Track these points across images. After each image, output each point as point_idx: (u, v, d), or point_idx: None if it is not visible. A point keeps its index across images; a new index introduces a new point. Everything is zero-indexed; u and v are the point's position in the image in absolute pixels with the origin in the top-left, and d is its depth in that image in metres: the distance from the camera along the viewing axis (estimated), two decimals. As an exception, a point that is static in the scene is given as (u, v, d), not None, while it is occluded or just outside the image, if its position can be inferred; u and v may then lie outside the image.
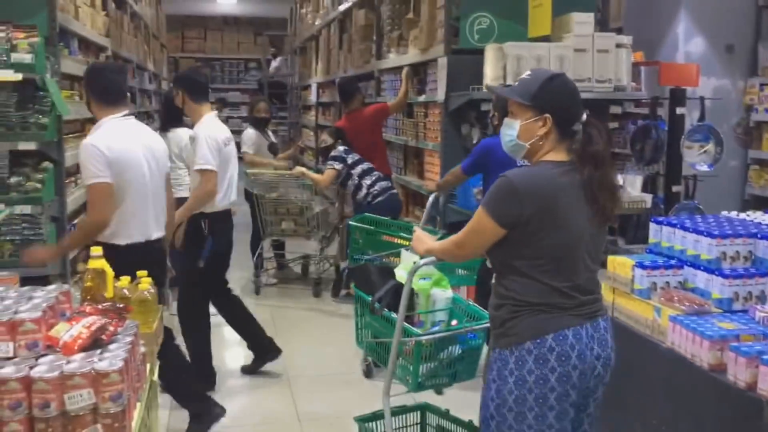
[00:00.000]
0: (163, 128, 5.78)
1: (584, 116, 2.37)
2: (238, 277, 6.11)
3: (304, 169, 5.77)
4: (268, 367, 4.68)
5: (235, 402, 4.16)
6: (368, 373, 4.51)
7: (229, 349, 5.13)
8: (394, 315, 2.88)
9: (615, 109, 5.36)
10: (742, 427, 2.45)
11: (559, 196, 2.28)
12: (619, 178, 5.48)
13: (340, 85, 7.30)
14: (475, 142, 5.33)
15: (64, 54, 5.44)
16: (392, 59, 7.10)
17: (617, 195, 2.38)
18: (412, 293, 2.99)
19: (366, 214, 5.10)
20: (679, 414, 2.77)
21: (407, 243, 3.97)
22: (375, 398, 4.19)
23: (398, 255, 3.56)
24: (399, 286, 2.91)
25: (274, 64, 17.15)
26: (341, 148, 5.87)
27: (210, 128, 4.25)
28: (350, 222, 4.86)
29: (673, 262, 3.10)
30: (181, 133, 5.61)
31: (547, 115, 2.33)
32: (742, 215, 3.42)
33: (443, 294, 3.11)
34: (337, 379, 4.50)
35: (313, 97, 12.39)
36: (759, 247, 2.94)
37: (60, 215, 5.07)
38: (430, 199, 4.81)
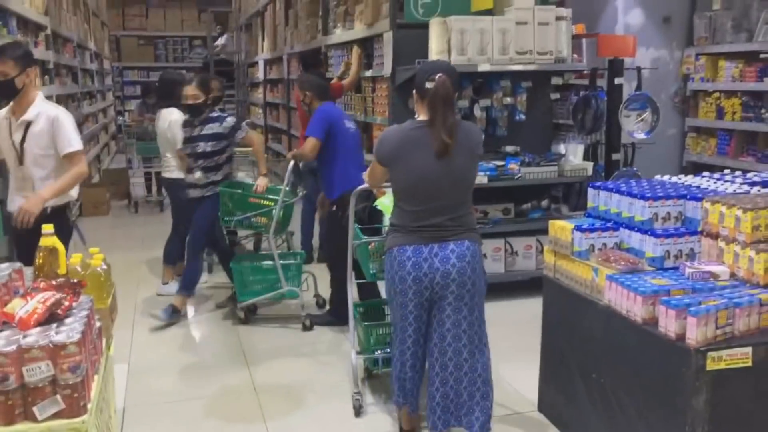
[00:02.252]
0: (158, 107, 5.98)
1: (436, 77, 3.00)
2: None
3: (295, 151, 5.43)
4: (224, 340, 4.75)
5: (191, 375, 4.21)
6: (246, 321, 4.98)
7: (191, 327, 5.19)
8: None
9: (556, 81, 5.51)
10: (673, 374, 2.62)
11: (404, 143, 3.04)
12: (562, 148, 5.66)
13: (303, 57, 7.30)
14: (422, 115, 5.41)
15: (3, 33, 5.33)
16: (339, 35, 7.12)
17: (454, 131, 3.00)
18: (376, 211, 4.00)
19: (233, 180, 5.24)
20: (617, 366, 2.94)
21: (272, 204, 4.86)
22: (331, 368, 4.30)
23: (264, 215, 4.89)
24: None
25: (220, 41, 16.91)
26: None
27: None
28: (221, 188, 5.01)
29: (609, 224, 3.26)
30: (166, 114, 5.67)
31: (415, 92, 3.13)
32: (674, 179, 3.60)
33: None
34: (292, 352, 4.59)
35: (260, 74, 12.30)
36: (688, 207, 3.12)
37: (5, 197, 5.00)
38: (290, 166, 4.92)
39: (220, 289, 5.81)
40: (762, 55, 6.60)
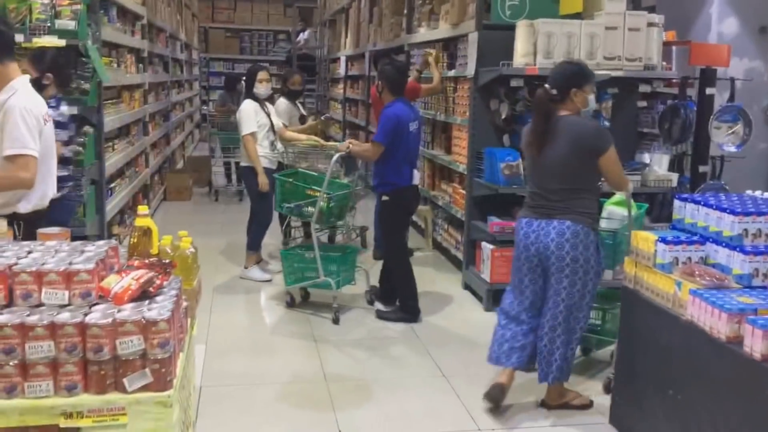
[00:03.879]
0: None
1: None
2: (266, 243, 6.26)
3: (354, 141, 5.61)
4: (297, 329, 4.85)
5: (264, 360, 4.33)
6: (291, 305, 5.29)
7: (263, 313, 5.32)
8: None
9: (644, 88, 5.38)
10: (757, 397, 2.54)
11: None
12: (646, 157, 5.53)
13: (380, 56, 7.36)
14: (503, 117, 5.39)
15: (104, 21, 5.57)
16: (423, 33, 7.15)
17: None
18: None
19: (298, 169, 5.44)
20: (696, 384, 2.87)
21: (317, 194, 4.99)
22: (400, 364, 4.34)
23: (312, 204, 5.03)
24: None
25: (303, 36, 17.18)
26: None
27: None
28: (276, 176, 5.30)
29: (695, 238, 3.18)
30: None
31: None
32: (766, 194, 3.47)
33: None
34: (362, 344, 4.65)
35: (341, 70, 12.44)
36: (781, 225, 3.00)
37: (99, 178, 5.25)
38: (335, 157, 5.00)
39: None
40: None
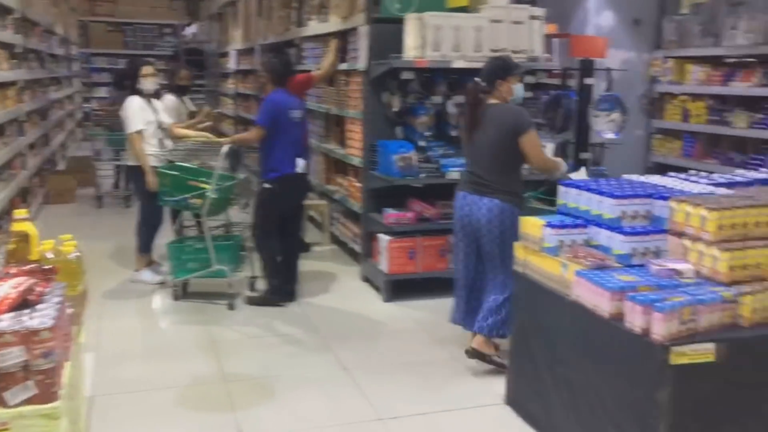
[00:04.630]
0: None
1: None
2: (158, 245, 6.06)
3: (237, 136, 5.74)
4: (194, 330, 4.73)
5: (159, 365, 4.19)
6: (177, 297, 5.32)
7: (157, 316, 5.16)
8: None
9: (529, 79, 5.57)
10: (638, 368, 2.70)
11: None
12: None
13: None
14: (395, 109, 5.45)
15: (-30, 15, 5.21)
16: (313, 27, 7.11)
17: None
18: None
19: (176, 163, 5.39)
20: (583, 360, 3.01)
21: (208, 187, 5.01)
22: (300, 360, 4.31)
23: (200, 197, 5.03)
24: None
25: (191, 29, 16.70)
26: None
27: None
28: (159, 169, 5.30)
29: (579, 221, 3.33)
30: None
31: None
32: (642, 178, 3.68)
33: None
34: (261, 341, 4.59)
35: (232, 65, 12.19)
36: (655, 206, 3.20)
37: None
38: (224, 150, 5.16)
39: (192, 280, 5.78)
40: (727, 60, 6.76)
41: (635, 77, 7.41)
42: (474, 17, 5.23)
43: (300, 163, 5.20)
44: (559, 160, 4.29)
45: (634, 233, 3.11)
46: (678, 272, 2.89)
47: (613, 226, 3.16)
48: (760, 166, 5.84)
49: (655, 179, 3.64)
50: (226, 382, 3.99)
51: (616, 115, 5.65)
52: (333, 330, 4.78)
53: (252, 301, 5.26)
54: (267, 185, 5.17)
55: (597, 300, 2.88)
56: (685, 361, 2.59)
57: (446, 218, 5.33)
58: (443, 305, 5.16)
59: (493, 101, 3.98)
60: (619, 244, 3.11)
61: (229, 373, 4.10)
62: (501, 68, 4.00)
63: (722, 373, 2.64)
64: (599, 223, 3.25)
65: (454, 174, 5.19)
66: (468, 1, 5.32)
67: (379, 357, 4.35)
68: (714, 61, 6.82)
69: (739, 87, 6.41)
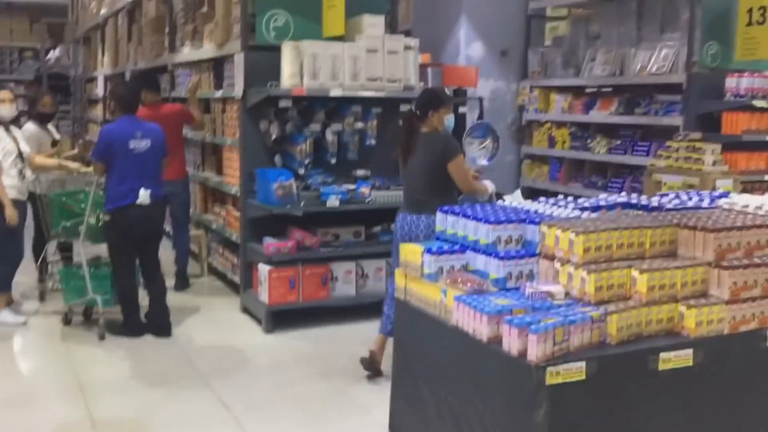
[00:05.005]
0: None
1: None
2: (18, 282, 5.65)
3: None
4: (60, 373, 4.43)
5: (21, 414, 3.88)
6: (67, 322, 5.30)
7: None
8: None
9: (405, 107, 5.68)
10: (516, 389, 2.77)
11: None
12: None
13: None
14: (274, 137, 5.39)
15: None
16: (187, 53, 6.94)
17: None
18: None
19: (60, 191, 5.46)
20: (464, 385, 3.05)
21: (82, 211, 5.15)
22: (175, 397, 4.13)
23: (81, 223, 5.14)
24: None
25: (55, 53, 15.88)
26: None
27: None
28: (52, 195, 5.33)
29: (457, 247, 3.40)
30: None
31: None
32: (515, 203, 3.82)
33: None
34: (134, 380, 4.36)
35: (99, 90, 11.68)
36: (528, 231, 3.32)
37: None
38: (95, 180, 5.18)
39: (51, 317, 5.42)
40: (587, 90, 7.20)
41: (504, 106, 7.75)
42: (351, 46, 5.29)
43: (143, 195, 4.94)
44: (486, 183, 4.59)
45: (509, 257, 3.21)
46: (550, 294, 3.00)
47: (489, 250, 3.25)
48: (620, 188, 6.23)
49: (527, 204, 3.79)
50: (95, 428, 3.74)
51: (488, 143, 5.86)
52: (212, 365, 4.61)
53: (114, 331, 5.10)
54: (105, 217, 5.03)
55: (475, 324, 2.94)
56: (559, 380, 2.68)
57: (327, 246, 5.31)
58: (326, 335, 5.13)
59: (425, 130, 4.34)
60: (495, 268, 3.20)
61: (100, 418, 3.85)
62: (434, 100, 4.39)
63: (593, 390, 2.75)
64: (476, 248, 3.33)
65: (334, 201, 5.19)
66: (344, 30, 5.38)
67: (260, 391, 4.23)
68: (575, 91, 7.25)
69: (599, 115, 6.83)
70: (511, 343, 2.76)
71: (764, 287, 3.05)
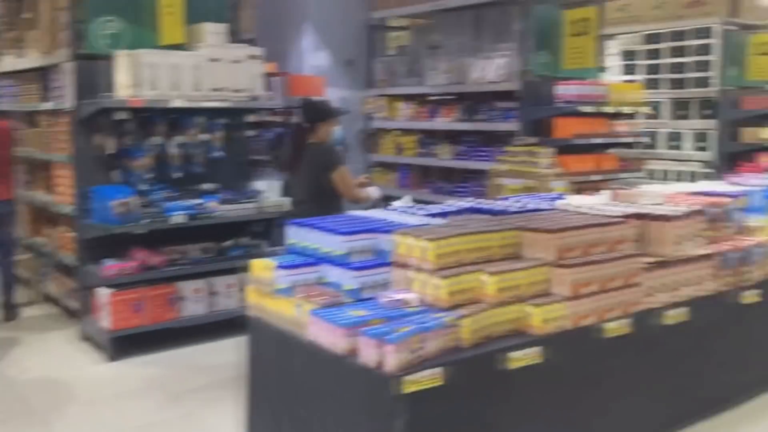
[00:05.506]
0: None
1: None
2: None
3: None
4: None
5: None
6: None
7: None
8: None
9: (252, 118, 5.56)
10: (375, 401, 2.74)
11: None
12: (261, 184, 5.72)
13: None
14: (110, 152, 5.06)
15: None
16: (9, 62, 6.38)
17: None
18: None
19: None
20: (323, 400, 2.99)
21: None
22: None
23: None
24: None
25: None
26: None
27: None
28: None
29: (310, 260, 3.34)
30: None
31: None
32: (365, 213, 3.82)
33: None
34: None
35: None
36: (380, 240, 3.32)
37: None
38: None
39: None
40: (431, 98, 7.40)
41: (354, 115, 7.78)
42: (192, 55, 5.07)
43: None
44: (370, 190, 4.85)
45: (363, 267, 3.19)
46: (405, 302, 3.02)
47: (343, 262, 3.22)
48: (466, 193, 6.44)
49: (379, 213, 3.80)
50: None
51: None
52: (47, 400, 4.23)
53: None
54: None
55: (332, 338, 2.89)
56: (417, 388, 2.69)
57: (174, 264, 5.06)
58: (176, 357, 4.90)
59: (313, 141, 4.64)
60: (349, 279, 3.17)
61: None
62: (322, 112, 4.70)
63: (450, 395, 2.79)
64: (329, 260, 3.29)
65: (179, 218, 4.96)
66: (183, 38, 5.16)
67: (104, 425, 3.93)
68: (419, 99, 7.42)
69: (442, 122, 7.04)
70: (369, 354, 2.74)
71: (601, 283, 3.24)
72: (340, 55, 7.73)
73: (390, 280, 3.22)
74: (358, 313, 2.95)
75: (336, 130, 4.79)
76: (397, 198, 4.47)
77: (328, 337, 2.91)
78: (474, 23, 6.98)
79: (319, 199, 4.49)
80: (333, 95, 7.50)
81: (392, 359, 2.67)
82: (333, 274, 3.26)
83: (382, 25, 8.11)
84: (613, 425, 3.37)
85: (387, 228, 3.32)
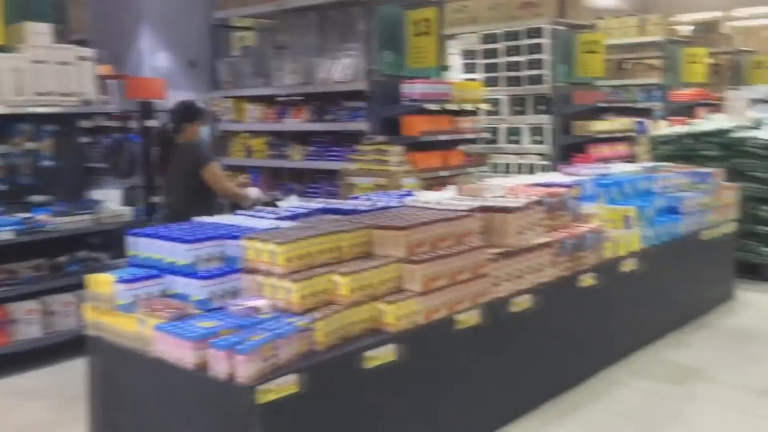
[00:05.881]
0: None
1: None
2: None
3: None
4: None
5: None
6: None
7: None
8: None
9: (85, 124, 5.20)
10: (228, 415, 2.63)
11: None
12: (99, 193, 5.37)
13: None
14: None
15: None
16: None
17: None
18: None
19: None
20: (174, 420, 2.84)
21: None
22: None
23: None
24: None
25: None
26: None
27: None
28: None
29: (153, 271, 3.15)
30: None
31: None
32: (211, 219, 3.68)
33: None
34: None
35: None
36: (228, 246, 3.20)
37: None
38: None
39: None
40: (279, 99, 7.29)
41: (198, 117, 7.52)
42: (12, 57, 4.67)
43: None
44: (249, 190, 4.87)
45: (211, 276, 3.06)
46: (256, 309, 2.92)
47: (189, 271, 3.07)
48: (318, 194, 6.41)
49: (226, 219, 3.67)
50: None
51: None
52: None
53: None
54: None
55: (179, 352, 2.74)
56: (272, 397, 2.61)
57: (2, 285, 4.64)
58: (9, 387, 4.50)
59: (181, 141, 4.69)
60: (197, 289, 3.03)
61: None
62: (188, 113, 4.74)
63: (308, 401, 2.73)
64: (174, 270, 3.12)
65: (6, 234, 4.55)
66: (2, 39, 4.73)
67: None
68: (267, 100, 7.29)
69: (292, 123, 6.96)
70: (219, 366, 2.63)
71: (450, 276, 3.31)
72: (183, 56, 7.45)
73: (240, 287, 3.12)
74: (207, 324, 2.82)
75: (203, 130, 4.83)
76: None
77: (175, 351, 2.76)
78: (319, 23, 6.95)
79: (192, 198, 4.51)
80: (176, 98, 7.21)
81: (244, 370, 2.57)
82: (179, 285, 3.10)
83: (225, 25, 7.88)
84: (469, 415, 3.46)
85: (234, 233, 3.21)
